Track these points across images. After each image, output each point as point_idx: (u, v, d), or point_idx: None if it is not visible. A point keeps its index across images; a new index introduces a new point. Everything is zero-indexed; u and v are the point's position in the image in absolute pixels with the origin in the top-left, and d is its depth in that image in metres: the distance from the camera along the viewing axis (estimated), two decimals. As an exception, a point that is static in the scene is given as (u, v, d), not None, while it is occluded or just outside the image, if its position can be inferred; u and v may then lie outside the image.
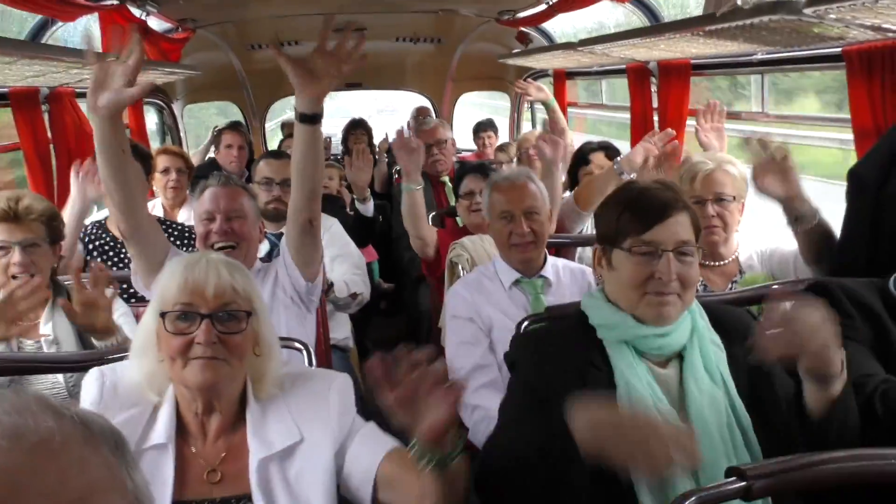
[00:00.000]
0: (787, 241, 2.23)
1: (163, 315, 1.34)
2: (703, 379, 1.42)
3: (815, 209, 2.04)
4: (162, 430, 1.36)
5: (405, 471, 1.31)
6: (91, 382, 1.44)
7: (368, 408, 2.70)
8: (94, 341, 2.06)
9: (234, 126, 4.69)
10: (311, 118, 1.87)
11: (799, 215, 2.04)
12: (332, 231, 3.02)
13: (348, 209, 3.73)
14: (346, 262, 2.98)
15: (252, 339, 1.39)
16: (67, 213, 2.66)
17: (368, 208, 3.65)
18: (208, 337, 1.32)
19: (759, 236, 2.35)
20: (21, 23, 2.95)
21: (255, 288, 1.42)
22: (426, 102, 6.34)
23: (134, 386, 1.41)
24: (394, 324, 4.98)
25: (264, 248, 2.66)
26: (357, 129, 5.35)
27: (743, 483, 1.10)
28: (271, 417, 1.39)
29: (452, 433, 1.23)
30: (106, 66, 1.69)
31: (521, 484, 1.36)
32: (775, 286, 2.06)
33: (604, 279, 1.54)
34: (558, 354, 1.45)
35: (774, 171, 2.04)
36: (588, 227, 3.08)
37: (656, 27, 2.86)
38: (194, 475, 1.36)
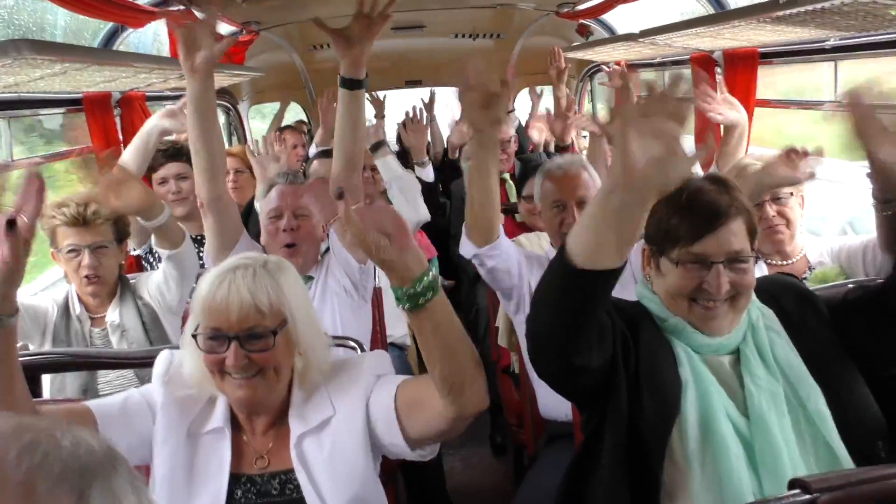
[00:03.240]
0: (854, 236, 2.13)
1: (194, 336, 1.37)
2: (759, 375, 1.36)
3: None
4: (220, 416, 1.43)
5: (419, 387, 1.33)
6: (161, 361, 1.50)
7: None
8: (144, 222, 2.13)
9: (294, 125, 4.79)
10: (352, 83, 1.96)
11: (886, 198, 1.88)
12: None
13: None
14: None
15: (287, 347, 1.39)
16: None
17: (428, 172, 3.66)
18: (238, 359, 1.34)
19: (829, 232, 2.25)
20: (96, 31, 3.08)
21: (291, 293, 1.40)
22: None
23: (194, 375, 1.45)
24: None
25: (325, 245, 2.71)
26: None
27: (807, 496, 1.04)
28: (311, 401, 1.43)
29: (421, 255, 1.19)
30: (190, 29, 1.84)
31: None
32: (851, 285, 1.96)
33: (651, 280, 1.49)
34: (629, 328, 1.42)
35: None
36: None
37: (720, 15, 2.76)
38: (246, 460, 1.43)
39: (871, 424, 1.34)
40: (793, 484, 1.08)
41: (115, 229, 2.22)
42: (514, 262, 2.16)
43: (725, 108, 2.66)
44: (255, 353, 1.35)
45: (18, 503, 0.56)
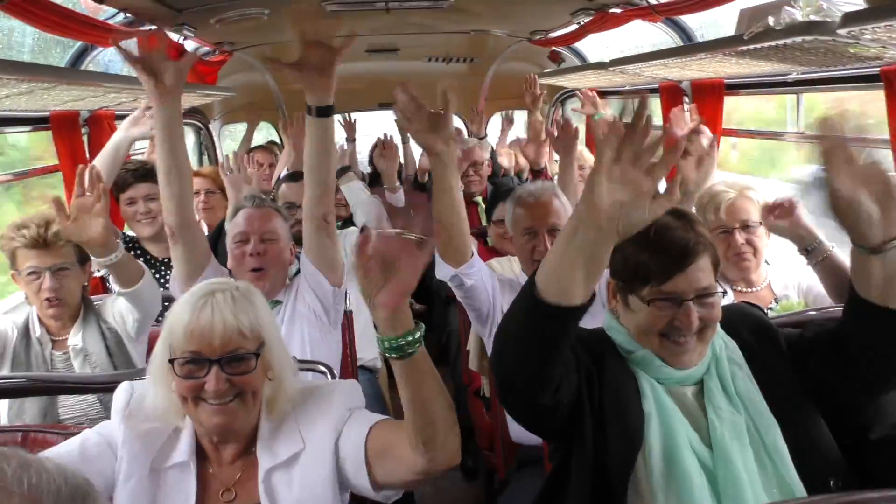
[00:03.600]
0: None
1: (171, 361, 1.35)
2: (721, 406, 1.38)
3: (822, 242, 2.06)
4: (184, 449, 1.40)
5: (392, 433, 1.32)
6: (120, 393, 1.47)
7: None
8: (95, 259, 2.09)
9: (266, 145, 4.77)
10: (322, 111, 1.93)
11: (807, 247, 2.07)
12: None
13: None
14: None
15: (262, 372, 1.39)
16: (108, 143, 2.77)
17: (399, 198, 3.66)
18: (218, 383, 1.33)
19: (793, 266, 2.31)
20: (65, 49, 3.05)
21: (264, 317, 1.41)
22: (457, 122, 6.36)
23: (157, 407, 1.43)
24: (425, 344, 4.97)
25: (293, 268, 2.69)
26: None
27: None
28: (280, 432, 1.41)
29: (405, 315, 1.19)
30: (145, 59, 1.84)
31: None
32: (813, 312, 2.01)
33: (618, 313, 1.49)
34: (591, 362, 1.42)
35: (780, 209, 2.08)
36: None
37: (687, 47, 2.83)
38: (212, 493, 1.40)
39: (826, 461, 1.36)
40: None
41: (77, 251, 2.17)
42: (489, 282, 2.18)
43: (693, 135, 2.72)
44: (236, 376, 1.34)
45: None
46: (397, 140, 4.73)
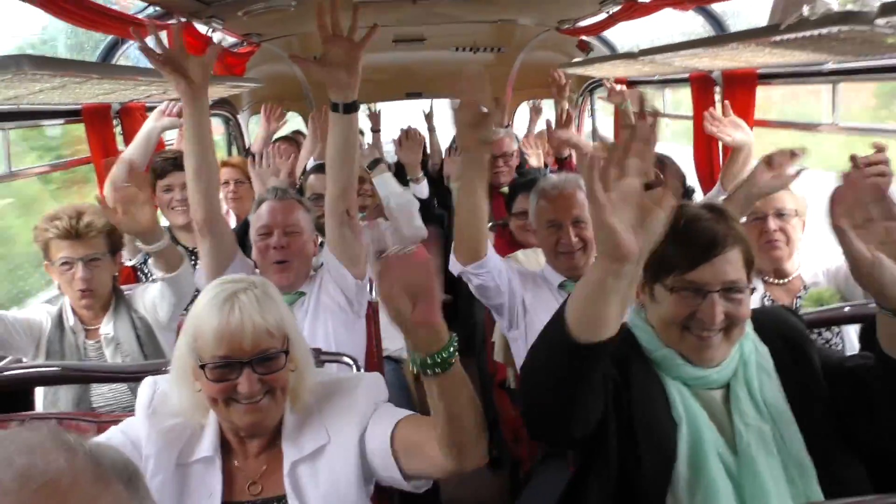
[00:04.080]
0: None
1: (202, 367, 1.35)
2: (748, 413, 1.35)
3: None
4: (208, 444, 1.41)
5: (419, 431, 1.32)
6: (144, 389, 1.49)
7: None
8: (141, 245, 2.15)
9: (289, 137, 4.78)
10: (345, 107, 1.91)
11: None
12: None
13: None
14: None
15: (288, 366, 1.41)
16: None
17: (422, 189, 3.65)
18: (251, 385, 1.34)
19: (823, 253, 2.26)
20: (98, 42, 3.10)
21: (285, 313, 1.42)
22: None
23: (182, 405, 1.44)
24: (450, 334, 4.98)
25: (317, 260, 2.71)
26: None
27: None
28: (305, 426, 1.42)
29: (443, 329, 1.15)
30: (170, 57, 1.85)
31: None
32: (846, 308, 1.97)
33: (645, 307, 1.47)
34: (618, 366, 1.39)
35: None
36: None
37: (719, 37, 2.77)
38: (238, 487, 1.41)
39: (853, 485, 1.32)
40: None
41: (108, 241, 2.22)
42: (504, 279, 2.17)
43: (732, 129, 2.69)
44: (267, 375, 1.35)
45: (94, 481, 0.63)
46: (423, 131, 4.73)
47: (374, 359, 2.51)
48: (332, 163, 2.02)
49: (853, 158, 1.77)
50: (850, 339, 2.16)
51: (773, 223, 2.18)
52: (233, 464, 1.43)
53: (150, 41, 1.87)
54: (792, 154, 2.00)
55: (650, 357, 1.42)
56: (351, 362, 1.86)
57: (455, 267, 2.10)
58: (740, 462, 1.31)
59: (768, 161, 2.01)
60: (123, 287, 2.39)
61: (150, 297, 2.31)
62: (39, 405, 2.16)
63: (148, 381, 1.50)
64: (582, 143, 3.46)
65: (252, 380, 1.34)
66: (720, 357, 1.38)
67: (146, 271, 2.87)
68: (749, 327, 1.44)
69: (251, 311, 1.35)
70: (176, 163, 2.80)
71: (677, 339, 1.39)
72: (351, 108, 1.93)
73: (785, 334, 1.46)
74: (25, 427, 0.65)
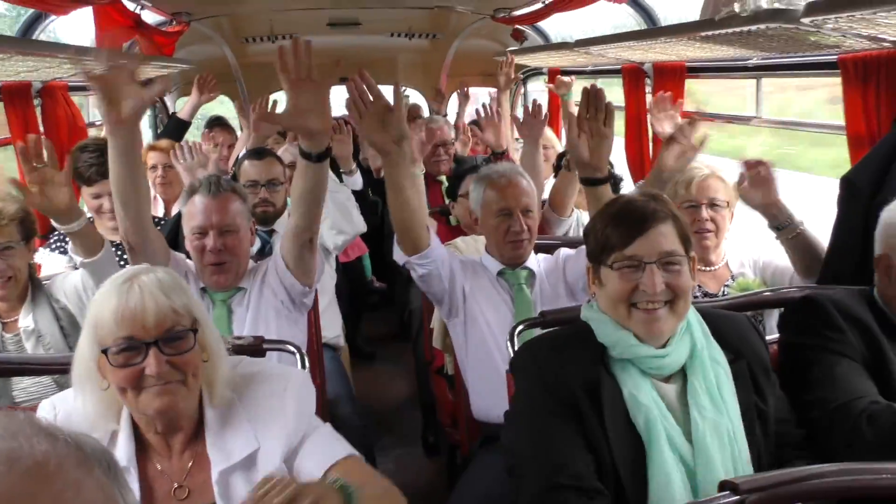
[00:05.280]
0: (781, 254, 2.26)
1: (104, 352, 1.27)
2: (704, 405, 1.40)
3: (794, 218, 2.11)
4: (122, 454, 1.32)
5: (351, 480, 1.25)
6: (43, 416, 1.35)
7: (358, 407, 2.75)
8: (59, 225, 2.05)
9: (221, 123, 4.64)
10: (320, 156, 1.83)
11: (779, 224, 2.12)
12: None
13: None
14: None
15: (199, 352, 1.34)
16: None
17: (356, 181, 3.62)
18: (159, 366, 1.26)
19: (749, 243, 2.38)
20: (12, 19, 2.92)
21: (193, 297, 1.37)
22: (417, 98, 6.33)
23: (89, 414, 1.34)
24: (385, 322, 4.98)
25: (255, 246, 2.65)
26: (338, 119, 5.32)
27: (736, 497, 1.10)
28: (229, 426, 1.35)
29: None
30: (107, 80, 1.66)
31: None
32: (768, 293, 2.08)
33: (597, 297, 1.53)
34: (566, 367, 1.43)
35: (755, 181, 2.11)
36: (570, 230, 3.10)
37: (653, 31, 2.87)
38: (162, 494, 1.33)
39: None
40: (723, 486, 1.14)
41: (20, 229, 2.10)
42: (447, 268, 2.19)
43: (667, 122, 2.79)
44: (176, 356, 1.29)
45: (77, 466, 0.62)
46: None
47: (314, 346, 2.49)
48: (301, 202, 1.94)
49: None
50: (770, 325, 2.26)
51: (705, 212, 2.26)
52: (155, 467, 1.34)
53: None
54: (690, 122, 2.10)
55: (610, 355, 1.45)
56: (294, 350, 1.83)
57: (399, 257, 2.11)
58: (696, 450, 1.37)
59: (670, 139, 2.10)
60: (41, 278, 2.27)
61: (72, 286, 2.21)
62: (-44, 399, 2.04)
63: (45, 407, 1.40)
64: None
65: (160, 360, 1.26)
66: (668, 331, 1.44)
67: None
68: (700, 322, 1.50)
69: (153, 289, 1.29)
70: (103, 170, 2.63)
71: (626, 317, 1.44)
72: (323, 157, 1.84)
73: (740, 334, 1.53)
74: (1, 413, 0.63)
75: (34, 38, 2.70)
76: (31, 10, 2.61)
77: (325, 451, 1.33)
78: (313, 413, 1.42)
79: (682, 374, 1.45)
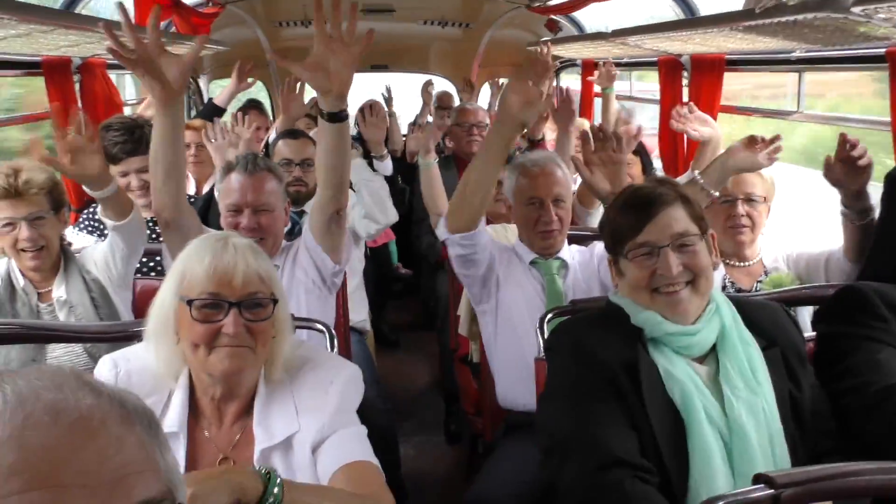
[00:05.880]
0: (813, 245, 2.22)
1: (189, 302, 1.31)
2: (738, 385, 1.39)
3: (872, 207, 2.04)
4: (175, 417, 1.34)
5: (351, 488, 1.26)
6: (104, 373, 1.40)
7: (382, 390, 2.76)
8: (91, 191, 2.07)
9: (256, 105, 4.67)
10: (337, 116, 1.79)
11: (862, 209, 2.05)
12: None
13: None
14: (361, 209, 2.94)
15: (271, 326, 1.36)
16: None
17: (387, 166, 3.61)
18: (237, 326, 1.30)
19: (784, 238, 2.33)
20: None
21: (276, 273, 1.41)
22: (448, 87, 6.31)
23: (149, 372, 1.38)
24: (410, 309, 4.99)
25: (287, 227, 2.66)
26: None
27: (771, 491, 1.08)
28: (276, 405, 1.37)
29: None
30: (143, 57, 1.65)
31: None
32: (805, 289, 2.05)
33: (619, 289, 1.53)
34: (603, 345, 1.42)
35: (850, 163, 2.01)
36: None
37: (693, 20, 2.82)
38: (207, 461, 1.35)
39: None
40: (757, 478, 1.11)
41: (50, 199, 2.12)
42: (487, 253, 2.18)
43: (698, 124, 2.73)
44: (253, 322, 1.32)
45: (120, 422, 0.62)
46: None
47: (342, 329, 2.50)
48: (324, 168, 1.93)
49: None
50: (804, 320, 2.23)
51: (741, 207, 2.23)
52: (202, 434, 1.37)
53: (122, 33, 1.69)
54: (772, 141, 2.05)
55: (645, 335, 1.44)
56: (324, 329, 1.83)
57: (442, 232, 2.09)
58: (731, 430, 1.36)
59: (750, 141, 2.06)
60: (72, 249, 2.30)
61: (101, 255, 2.23)
62: (-10, 365, 2.08)
63: (106, 364, 1.42)
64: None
65: (238, 321, 1.30)
66: (693, 310, 1.43)
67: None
68: (729, 305, 1.48)
69: (245, 252, 1.33)
70: (126, 149, 2.64)
71: (649, 302, 1.45)
72: (336, 118, 1.80)
73: (772, 321, 1.51)
74: (47, 366, 0.63)
75: (76, 11, 2.72)
76: (72, -15, 2.65)
77: (343, 451, 1.33)
78: (353, 410, 1.43)
79: (715, 357, 1.45)
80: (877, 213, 2.00)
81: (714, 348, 1.45)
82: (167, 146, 1.80)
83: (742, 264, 2.32)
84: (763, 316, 1.52)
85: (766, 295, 2.07)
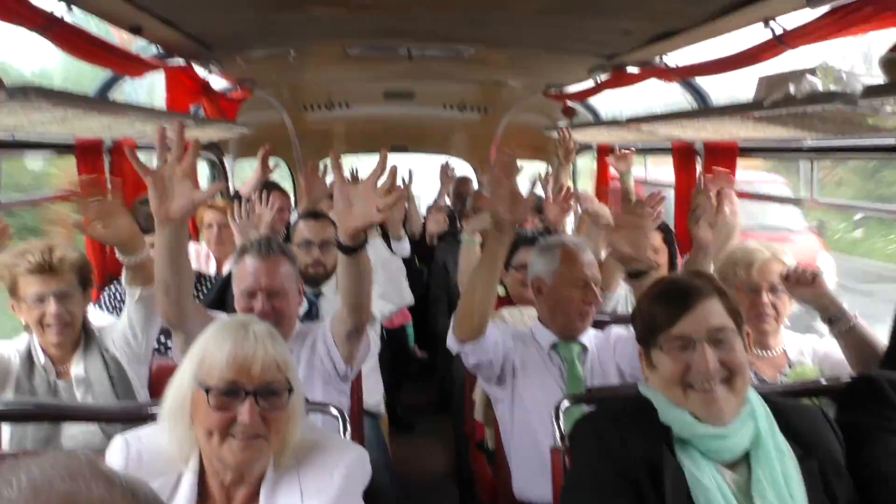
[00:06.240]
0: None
1: (207, 390, 1.32)
2: (769, 499, 1.31)
3: (846, 311, 2.02)
4: (184, 501, 1.34)
5: None
6: (116, 452, 1.41)
7: (395, 477, 2.69)
8: (122, 257, 2.09)
9: (277, 187, 4.77)
10: (352, 249, 1.83)
11: (831, 317, 2.03)
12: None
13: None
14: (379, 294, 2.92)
15: (287, 412, 1.37)
16: None
17: (404, 247, 3.62)
18: (252, 416, 1.31)
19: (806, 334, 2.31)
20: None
21: (293, 360, 1.42)
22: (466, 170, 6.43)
23: (161, 453, 1.38)
24: (427, 391, 4.93)
25: (302, 308, 2.67)
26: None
27: None
28: (283, 490, 1.37)
29: None
30: (161, 175, 1.65)
31: None
32: (825, 381, 2.00)
33: (650, 382, 1.49)
34: (627, 442, 1.37)
35: (803, 279, 2.05)
36: (619, 306, 3.07)
37: (704, 110, 2.88)
38: None
39: None
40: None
41: (79, 276, 2.18)
42: (499, 351, 2.18)
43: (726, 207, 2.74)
44: (269, 411, 1.33)
45: None
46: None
47: (355, 411, 2.47)
48: (343, 289, 1.96)
49: None
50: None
51: (766, 297, 2.21)
52: None
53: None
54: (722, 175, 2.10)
55: (673, 435, 1.39)
56: (337, 413, 1.82)
57: (453, 345, 2.11)
58: None
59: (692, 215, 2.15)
60: (92, 326, 2.33)
61: (120, 332, 2.25)
62: (4, 443, 2.07)
63: (117, 443, 1.42)
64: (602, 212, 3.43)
65: (254, 410, 1.31)
66: (729, 411, 1.37)
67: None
68: (764, 407, 1.43)
69: (265, 340, 1.35)
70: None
71: (682, 399, 1.39)
72: (353, 251, 1.83)
73: (808, 427, 1.44)
74: (61, 453, 0.63)
75: (109, 97, 2.85)
76: (108, 72, 2.77)
77: None
78: (358, 494, 1.42)
79: (747, 464, 1.37)
80: (856, 319, 2.00)
81: (747, 454, 1.38)
82: (164, 265, 1.77)
83: (765, 354, 2.28)
84: (801, 421, 1.45)
85: (789, 386, 2.03)
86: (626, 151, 3.76)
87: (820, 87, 1.90)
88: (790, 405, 1.49)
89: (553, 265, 2.33)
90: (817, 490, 1.35)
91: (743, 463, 1.38)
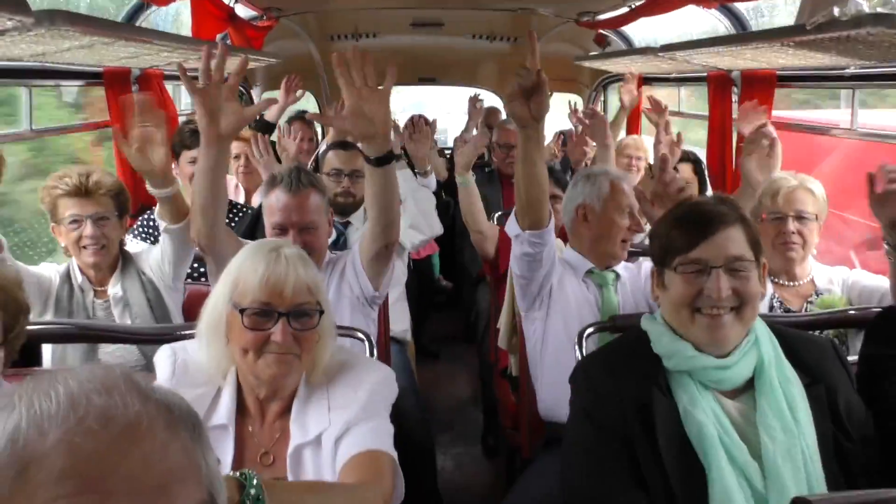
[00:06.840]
0: (870, 274, 2.15)
1: (241, 311, 1.37)
2: (774, 427, 1.32)
3: None
4: (224, 411, 1.41)
5: (355, 476, 1.30)
6: (164, 359, 1.48)
7: (421, 401, 2.77)
8: (152, 189, 2.13)
9: (301, 117, 4.76)
10: (381, 160, 1.82)
11: None
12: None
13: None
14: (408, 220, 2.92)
15: (318, 333, 1.42)
16: None
17: (431, 181, 3.62)
18: (285, 335, 1.36)
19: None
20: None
21: (323, 284, 1.46)
22: (495, 101, 6.33)
23: (202, 366, 1.45)
24: (451, 321, 5.00)
25: (331, 238, 2.69)
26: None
27: (809, 514, 1.05)
28: (313, 405, 1.43)
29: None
30: (209, 93, 1.69)
31: None
32: (853, 311, 1.99)
33: (659, 301, 1.48)
34: (621, 382, 1.39)
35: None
36: (647, 240, 3.05)
37: (743, 35, 2.78)
38: (250, 456, 1.41)
39: None
40: (794, 502, 1.09)
41: (116, 202, 2.23)
42: (552, 254, 2.19)
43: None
44: (301, 331, 1.38)
45: (165, 428, 0.63)
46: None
47: (382, 338, 2.52)
48: (372, 206, 1.96)
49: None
50: (855, 348, 2.16)
51: (791, 225, 2.18)
52: (247, 430, 1.43)
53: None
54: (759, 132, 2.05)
55: (665, 368, 1.40)
56: (364, 338, 1.86)
57: (513, 229, 2.10)
58: (767, 475, 1.30)
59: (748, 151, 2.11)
60: (129, 251, 2.39)
61: (155, 258, 2.32)
62: (47, 361, 2.17)
63: (165, 352, 1.49)
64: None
65: (286, 331, 1.36)
66: (733, 338, 1.37)
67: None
68: (771, 338, 1.43)
69: (296, 264, 1.39)
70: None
71: (689, 321, 1.39)
72: (383, 161, 1.82)
73: (817, 357, 1.44)
74: (98, 367, 0.65)
75: (137, 25, 2.84)
76: (134, 1, 2.76)
77: (358, 441, 1.37)
78: (383, 408, 1.46)
79: (752, 394, 1.38)
80: None
81: (751, 383, 1.38)
82: (205, 183, 1.82)
83: (791, 284, 2.27)
84: (808, 351, 1.44)
85: (814, 315, 2.02)
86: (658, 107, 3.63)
87: (866, 9, 1.81)
88: (798, 335, 1.49)
89: (603, 192, 2.32)
90: (824, 414, 1.36)
91: (748, 391, 1.38)
